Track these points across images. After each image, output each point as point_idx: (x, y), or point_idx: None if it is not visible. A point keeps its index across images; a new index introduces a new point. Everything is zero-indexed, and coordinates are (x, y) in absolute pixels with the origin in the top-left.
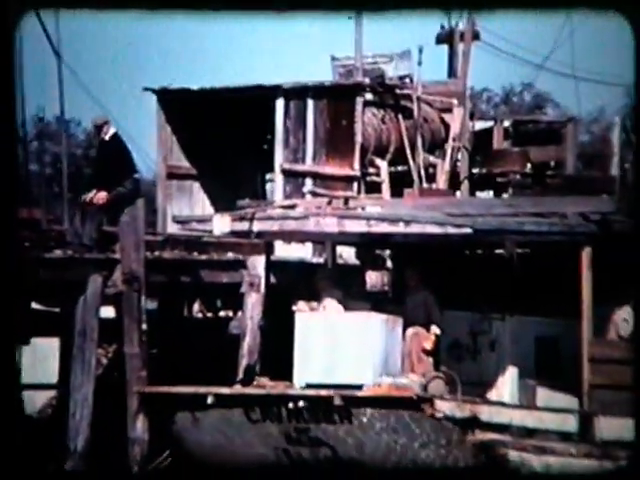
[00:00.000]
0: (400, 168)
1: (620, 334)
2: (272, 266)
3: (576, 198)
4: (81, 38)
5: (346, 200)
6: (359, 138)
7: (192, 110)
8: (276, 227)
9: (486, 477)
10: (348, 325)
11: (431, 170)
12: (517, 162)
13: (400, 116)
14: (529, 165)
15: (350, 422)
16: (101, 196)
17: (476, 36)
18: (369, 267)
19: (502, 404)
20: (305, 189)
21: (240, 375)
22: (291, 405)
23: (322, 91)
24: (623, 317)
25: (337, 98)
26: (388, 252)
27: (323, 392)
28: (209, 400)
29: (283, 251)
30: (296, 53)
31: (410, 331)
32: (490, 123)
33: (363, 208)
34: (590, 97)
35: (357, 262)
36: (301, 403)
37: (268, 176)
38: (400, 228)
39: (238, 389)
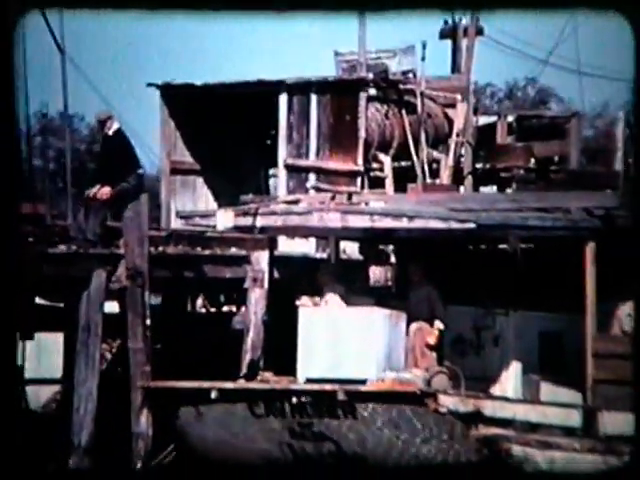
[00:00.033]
0: (404, 163)
1: (624, 329)
2: (275, 261)
3: (580, 193)
4: (81, 38)
5: (350, 195)
6: (363, 133)
7: (195, 105)
8: (279, 222)
9: (489, 472)
10: (351, 320)
11: (435, 165)
12: (521, 157)
13: (404, 111)
14: (533, 160)
15: (354, 417)
16: (105, 191)
17: (479, 31)
18: (372, 262)
19: (506, 399)
20: (308, 184)
21: (244, 370)
22: (295, 400)
23: (326, 86)
24: (627, 312)
25: (341, 93)
26: (391, 247)
27: (327, 387)
28: (213, 395)
29: (286, 246)
30: (296, 53)
31: (414, 326)
32: (494, 118)
33: (367, 203)
34: (594, 92)
35: (360, 257)
36: (305, 398)
37: (271, 171)
38: (404, 223)
39: (242, 384)
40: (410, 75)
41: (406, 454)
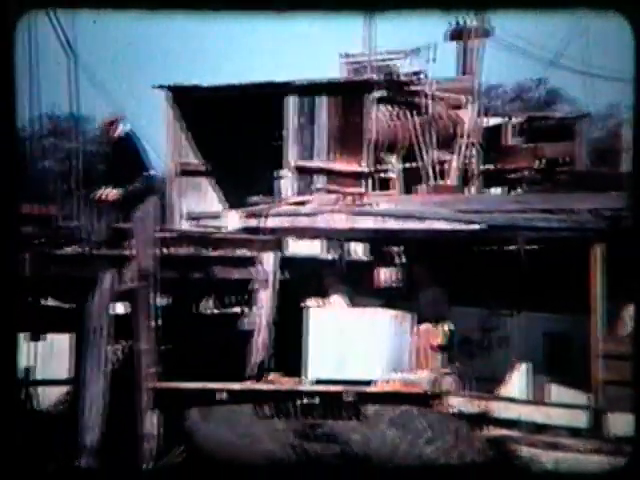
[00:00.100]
0: (411, 165)
1: (629, 330)
2: (283, 262)
3: (586, 195)
4: (81, 37)
5: (357, 196)
6: (370, 135)
7: (203, 107)
8: (287, 223)
9: (496, 473)
10: (358, 321)
11: (442, 167)
12: (528, 158)
13: (411, 113)
14: (540, 161)
15: (359, 418)
16: (113, 193)
17: (487, 33)
18: (380, 263)
19: (512, 400)
20: (316, 186)
21: (251, 371)
22: (302, 401)
23: (333, 88)
24: (632, 313)
25: (348, 95)
26: (398, 248)
27: (333, 388)
28: (220, 396)
29: (294, 247)
30: (296, 53)
31: (420, 327)
32: (501, 119)
33: (374, 205)
34: (603, 93)
35: (368, 258)
36: (311, 399)
37: (279, 173)
38: (410, 224)
39: (249, 385)
40: (418, 76)
41: (410, 454)
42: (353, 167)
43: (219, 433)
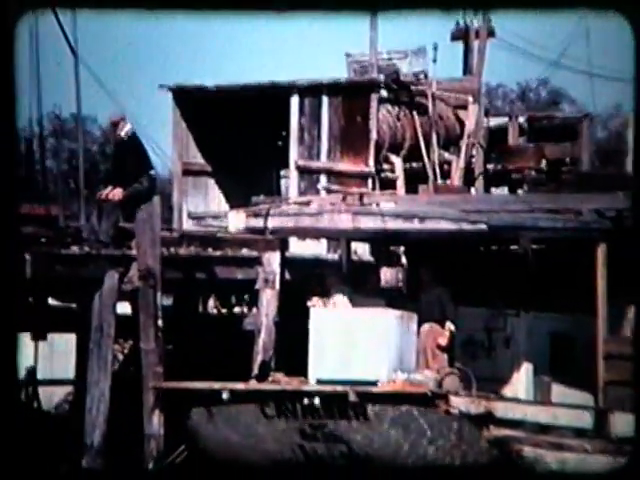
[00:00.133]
0: (415, 165)
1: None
2: (287, 262)
3: (591, 195)
4: (81, 37)
5: (361, 197)
6: (374, 135)
7: (207, 107)
8: (291, 223)
9: (499, 473)
10: (363, 321)
11: (446, 167)
12: (532, 158)
13: (415, 113)
14: (544, 162)
15: (365, 418)
16: (117, 193)
17: (491, 33)
18: (384, 263)
19: (517, 400)
20: (320, 186)
21: (255, 371)
22: (306, 401)
23: (337, 88)
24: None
25: (352, 95)
26: (403, 248)
27: (338, 388)
28: (224, 396)
29: (298, 247)
30: (296, 53)
31: (425, 327)
32: (505, 119)
33: (378, 205)
34: (607, 93)
35: (372, 258)
36: (316, 399)
37: (283, 173)
38: (415, 224)
39: (253, 385)
40: (421, 77)
41: (413, 455)
42: (357, 167)
43: (223, 433)
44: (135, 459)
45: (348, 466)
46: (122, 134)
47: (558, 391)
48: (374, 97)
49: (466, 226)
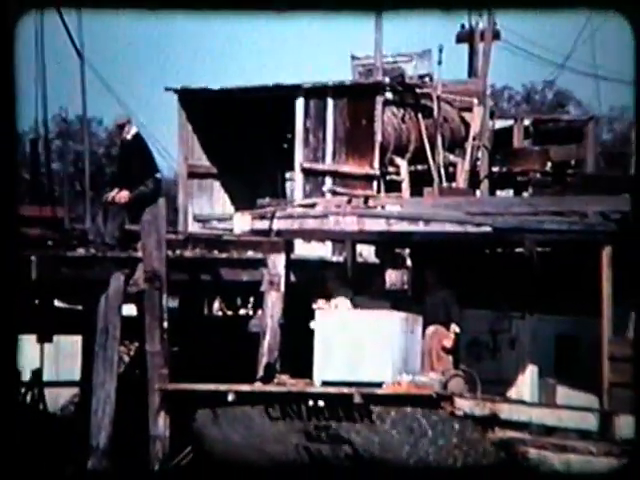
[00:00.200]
0: (420, 167)
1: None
2: (292, 264)
3: (596, 197)
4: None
5: (366, 199)
6: (379, 137)
7: (213, 109)
8: (296, 226)
9: (504, 475)
10: (368, 323)
11: (451, 169)
12: (537, 161)
13: (420, 115)
14: (549, 164)
15: (370, 420)
16: (123, 195)
17: (496, 35)
18: (389, 266)
19: (522, 402)
20: (325, 188)
21: (260, 373)
22: (311, 403)
23: (342, 90)
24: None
25: (357, 97)
26: (408, 251)
27: (343, 390)
28: (230, 397)
29: (303, 249)
30: (296, 53)
31: (430, 329)
32: (510, 122)
33: (383, 207)
34: (613, 95)
35: (377, 261)
36: (321, 401)
37: (288, 175)
38: (420, 227)
39: (258, 387)
40: (427, 79)
41: (414, 456)
42: (362, 169)
43: (228, 435)
44: (140, 461)
45: (352, 467)
46: (128, 137)
47: (563, 393)
48: (379, 99)
49: (471, 228)
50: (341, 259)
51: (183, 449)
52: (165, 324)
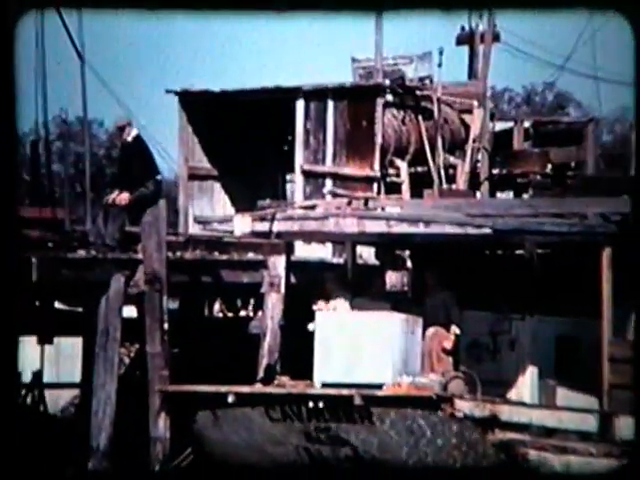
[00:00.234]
0: (420, 169)
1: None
2: (292, 266)
3: (596, 199)
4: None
5: (366, 201)
6: (379, 139)
7: (213, 111)
8: (296, 227)
9: (504, 476)
10: (368, 324)
11: (451, 171)
12: (537, 163)
13: (420, 117)
14: (549, 166)
15: (370, 422)
16: (123, 197)
17: (496, 37)
18: (389, 267)
19: (522, 404)
20: (325, 190)
21: (260, 374)
22: (311, 404)
23: (342, 92)
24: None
25: (357, 99)
26: (408, 252)
27: (343, 391)
28: (230, 399)
29: (303, 251)
30: (296, 53)
31: (430, 331)
32: (510, 124)
33: (383, 209)
34: (613, 97)
35: (377, 262)
36: (321, 402)
37: (288, 177)
38: (420, 228)
39: (259, 388)
40: (427, 81)
41: (413, 457)
42: (363, 171)
43: (228, 436)
44: (141, 462)
45: (352, 468)
46: (128, 139)
47: (563, 394)
48: (379, 101)
49: (471, 230)
50: (341, 261)
51: (183, 450)
52: (165, 326)
